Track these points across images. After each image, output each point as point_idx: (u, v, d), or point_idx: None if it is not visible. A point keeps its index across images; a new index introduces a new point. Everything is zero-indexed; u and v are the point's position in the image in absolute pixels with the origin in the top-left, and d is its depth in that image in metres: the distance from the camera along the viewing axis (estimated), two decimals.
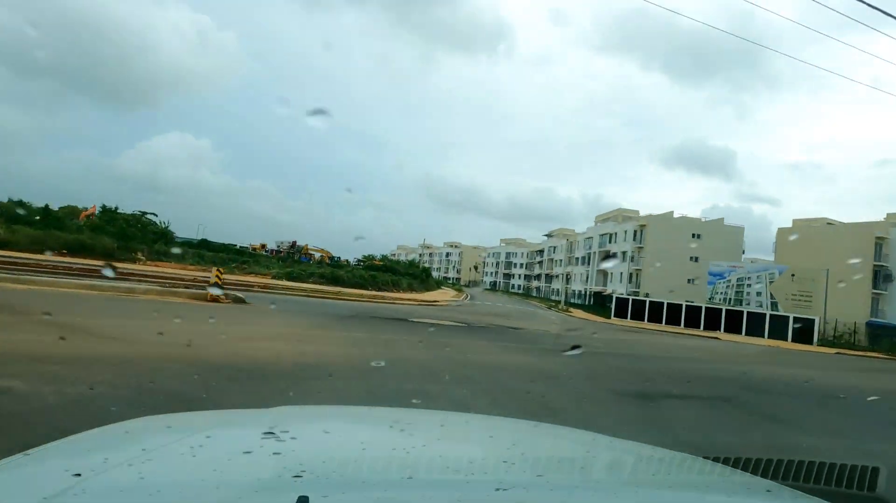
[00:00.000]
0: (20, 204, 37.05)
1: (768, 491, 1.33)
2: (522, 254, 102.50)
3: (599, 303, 51.87)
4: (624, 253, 55.41)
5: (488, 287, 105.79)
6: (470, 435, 1.58)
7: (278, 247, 60.81)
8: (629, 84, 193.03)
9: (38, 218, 35.20)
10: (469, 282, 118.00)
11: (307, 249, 60.20)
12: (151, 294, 12.16)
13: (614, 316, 40.17)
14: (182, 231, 45.34)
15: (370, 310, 18.78)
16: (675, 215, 54.79)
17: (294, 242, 58.09)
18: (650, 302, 39.94)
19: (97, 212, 44.30)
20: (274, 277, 32.28)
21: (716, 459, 1.55)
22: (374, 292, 31.04)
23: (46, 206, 36.66)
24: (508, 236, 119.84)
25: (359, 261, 62.98)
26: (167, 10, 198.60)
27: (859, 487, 1.91)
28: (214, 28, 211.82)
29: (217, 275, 12.90)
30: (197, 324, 9.44)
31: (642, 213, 59.18)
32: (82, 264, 22.28)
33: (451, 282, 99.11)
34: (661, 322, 36.87)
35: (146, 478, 0.89)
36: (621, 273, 56.13)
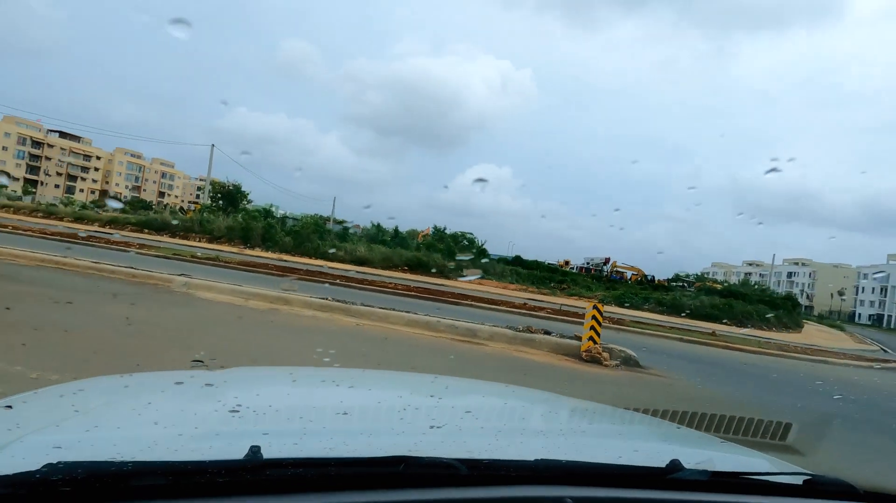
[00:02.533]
0: (378, 227, 43.36)
1: (677, 429, 1.65)
2: None
3: None
4: None
5: (872, 323, 74.73)
6: (411, 385, 1.67)
7: (587, 264, 56.18)
8: None
9: (389, 238, 40.48)
10: (829, 312, 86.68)
11: (615, 266, 53.17)
12: (500, 342, 7.75)
13: None
14: (492, 249, 45.60)
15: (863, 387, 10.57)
16: None
17: (607, 259, 52.04)
18: None
19: (431, 232, 48.81)
20: (601, 301, 27.26)
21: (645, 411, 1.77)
22: (756, 331, 21.60)
23: (396, 227, 42.07)
24: (863, 250, 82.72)
25: (678, 281, 52.14)
26: (475, 62, 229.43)
27: (772, 438, 2.37)
28: (512, 69, 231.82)
29: (596, 317, 7.69)
30: None
31: None
32: (419, 282, 22.33)
33: (808, 313, 73.46)
34: None
35: (105, 428, 0.94)
36: None
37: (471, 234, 42.02)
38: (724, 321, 26.06)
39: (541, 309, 16.42)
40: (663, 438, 1.47)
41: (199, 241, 30.31)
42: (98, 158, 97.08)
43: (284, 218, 39.45)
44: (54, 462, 0.61)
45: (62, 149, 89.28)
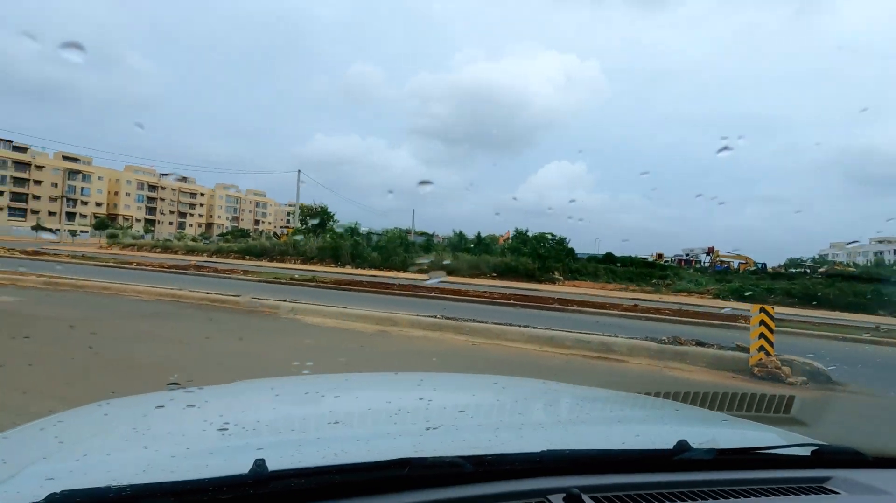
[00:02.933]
0: (460, 235, 42.92)
1: (676, 410, 1.59)
2: None
3: None
4: None
5: None
6: (383, 389, 1.61)
7: (687, 255, 51.62)
8: None
9: (472, 245, 39.86)
10: None
11: (717, 256, 48.30)
12: (642, 357, 6.56)
13: None
14: (576, 248, 43.18)
15: None
16: None
17: (710, 249, 47.46)
18: None
19: (511, 235, 47.73)
20: (717, 297, 24.37)
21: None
22: None
23: (478, 234, 41.36)
24: None
25: (796, 267, 46.37)
26: (536, 61, 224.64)
27: (776, 411, 2.38)
28: (577, 62, 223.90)
29: (766, 323, 6.19)
30: None
31: None
32: (512, 288, 21.28)
33: None
34: None
35: (112, 455, 0.92)
36: None
37: (552, 233, 40.20)
38: (880, 312, 22.11)
39: (656, 310, 14.68)
40: (667, 420, 1.43)
41: (294, 262, 31.66)
42: (202, 195, 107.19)
43: (369, 234, 40.38)
44: (56, 492, 0.60)
45: (172, 189, 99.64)
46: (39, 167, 77.31)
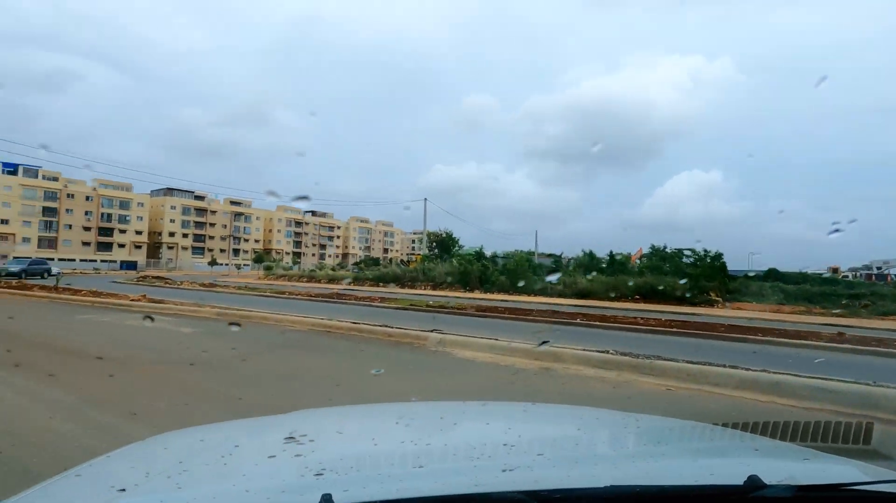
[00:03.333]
0: (590, 255, 40.32)
1: (749, 442, 1.50)
2: None
3: None
4: None
5: None
6: (469, 423, 1.61)
7: (878, 269, 42.24)
8: None
9: (605, 265, 37.07)
10: None
11: None
12: None
13: None
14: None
15: None
16: None
17: None
18: None
19: (643, 253, 44.40)
20: None
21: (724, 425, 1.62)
22: None
23: (611, 253, 38.46)
24: None
25: None
26: (657, 67, 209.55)
27: (854, 442, 2.15)
28: (705, 62, 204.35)
29: None
30: None
31: None
32: (665, 312, 18.67)
33: None
34: None
35: (183, 488, 0.95)
36: None
37: (690, 249, 35.66)
38: None
39: (876, 341, 11.44)
40: (739, 453, 1.38)
41: (424, 288, 32.22)
42: (338, 227, 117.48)
43: (494, 257, 39.88)
44: None
45: (315, 225, 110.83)
46: (213, 212, 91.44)
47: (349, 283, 37.25)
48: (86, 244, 75.33)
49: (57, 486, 0.99)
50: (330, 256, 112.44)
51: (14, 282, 23.60)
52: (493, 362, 7.02)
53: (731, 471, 1.06)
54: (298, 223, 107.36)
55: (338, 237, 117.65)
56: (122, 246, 78.85)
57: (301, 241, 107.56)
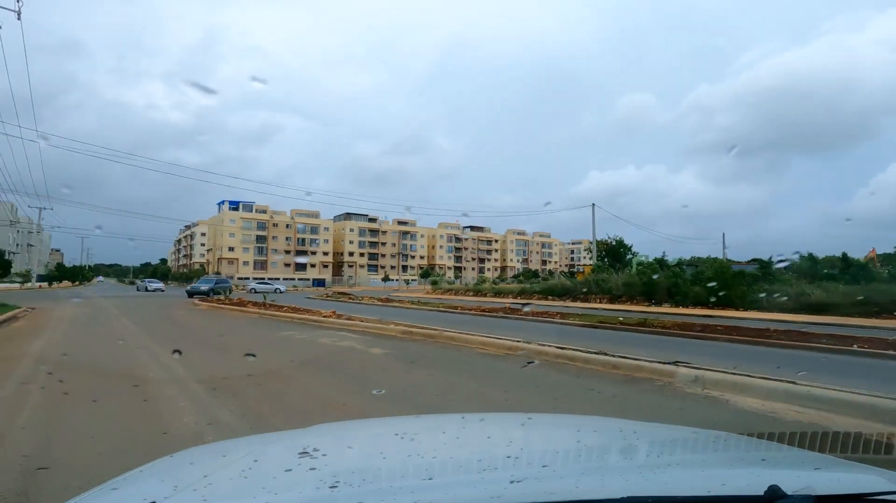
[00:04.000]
0: (811, 258, 32.35)
1: (767, 451, 1.46)
2: None
3: None
4: None
5: None
6: (471, 435, 1.62)
7: None
8: None
9: (838, 271, 29.16)
10: None
11: None
12: None
13: None
14: None
15: None
16: None
17: None
18: None
19: (875, 255, 35.27)
20: None
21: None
22: None
23: (844, 255, 30.17)
24: None
25: None
26: (865, 28, 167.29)
27: (875, 452, 2.12)
28: None
29: None
30: None
31: None
32: None
33: None
34: None
35: (209, 500, 0.99)
36: None
37: None
38: None
39: None
40: (757, 463, 1.33)
41: (599, 301, 29.11)
42: (496, 241, 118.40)
43: (680, 265, 34.57)
44: None
45: (473, 239, 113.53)
46: (384, 232, 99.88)
47: (516, 297, 35.97)
48: (286, 265, 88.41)
49: (94, 498, 1.04)
50: (489, 270, 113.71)
51: (235, 298, 27.50)
52: (809, 421, 4.55)
53: (749, 481, 1.04)
54: (458, 239, 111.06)
55: (495, 250, 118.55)
56: (312, 266, 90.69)
57: (461, 256, 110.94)
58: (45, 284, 59.07)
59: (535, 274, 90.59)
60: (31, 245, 75.41)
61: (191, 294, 32.13)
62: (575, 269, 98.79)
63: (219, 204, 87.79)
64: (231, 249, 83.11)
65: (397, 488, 1.01)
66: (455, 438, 1.53)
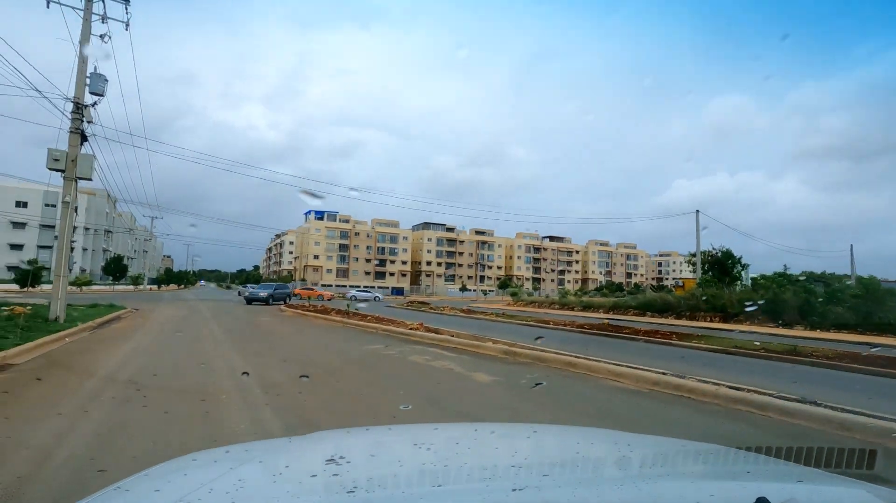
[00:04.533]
0: None
1: (753, 464, 1.50)
2: None
3: None
4: None
5: None
6: (482, 446, 1.68)
7: None
8: None
9: None
10: None
11: None
12: None
13: None
14: None
15: None
16: None
17: None
18: None
19: None
20: None
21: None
22: None
23: None
24: None
25: None
26: None
27: (857, 467, 2.10)
28: None
29: None
30: None
31: None
32: None
33: None
34: None
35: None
36: None
37: None
38: None
39: None
40: (744, 476, 1.36)
41: (710, 320, 25.56)
42: (576, 252, 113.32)
43: (810, 280, 29.79)
44: None
45: (552, 250, 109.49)
46: (461, 241, 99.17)
47: (607, 312, 33.15)
48: (367, 273, 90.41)
49: (133, 494, 1.08)
50: (569, 282, 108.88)
51: (318, 305, 27.47)
52: None
53: (736, 494, 1.08)
54: (537, 249, 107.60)
55: (576, 261, 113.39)
56: (391, 274, 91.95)
57: (539, 267, 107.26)
58: (154, 287, 64.72)
59: (619, 287, 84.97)
60: (146, 251, 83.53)
61: (249, 300, 30.80)
62: (668, 283, 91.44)
63: (305, 214, 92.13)
64: (316, 257, 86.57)
65: (409, 494, 1.09)
66: (467, 449, 1.59)
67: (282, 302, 31.34)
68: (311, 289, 50.28)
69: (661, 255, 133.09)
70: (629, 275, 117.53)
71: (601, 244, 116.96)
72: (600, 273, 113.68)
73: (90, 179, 13.01)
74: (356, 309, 21.15)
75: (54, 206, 63.91)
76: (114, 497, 1.06)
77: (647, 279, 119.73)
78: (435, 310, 28.88)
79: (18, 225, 61.11)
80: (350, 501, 1.02)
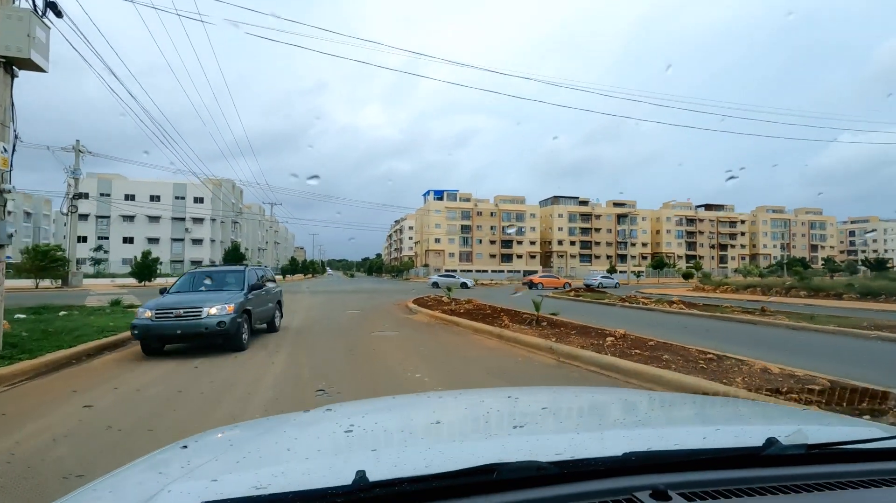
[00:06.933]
0: None
1: (763, 409, 1.53)
2: None
3: None
4: None
5: None
6: (495, 402, 1.63)
7: None
8: None
9: None
10: None
11: None
12: None
13: None
14: None
15: None
16: None
17: None
18: None
19: None
20: None
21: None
22: None
23: None
24: None
25: None
26: None
27: (870, 403, 2.25)
28: None
29: None
30: None
31: None
32: None
33: None
34: None
35: (247, 456, 1.10)
36: None
37: None
38: None
39: None
40: (753, 419, 1.40)
41: None
42: (742, 222, 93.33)
43: None
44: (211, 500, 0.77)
45: (710, 220, 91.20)
46: (597, 216, 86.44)
47: (851, 297, 21.29)
48: (492, 256, 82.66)
49: (141, 468, 1.06)
50: (733, 258, 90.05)
51: (463, 304, 19.78)
52: None
53: (746, 435, 1.10)
54: (690, 220, 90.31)
55: (741, 234, 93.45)
56: (519, 256, 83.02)
57: (694, 242, 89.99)
58: (280, 277, 63.99)
59: (803, 263, 66.39)
60: (277, 243, 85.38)
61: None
62: (870, 257, 69.76)
63: (424, 195, 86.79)
64: (437, 241, 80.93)
65: (406, 432, 1.19)
66: (480, 401, 1.60)
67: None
68: (556, 278, 42.98)
69: (852, 223, 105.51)
70: (815, 247, 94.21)
71: (775, 210, 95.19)
72: (774, 246, 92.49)
73: (28, 58, 6.12)
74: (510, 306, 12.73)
75: (183, 198, 66.08)
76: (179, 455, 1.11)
77: (837, 250, 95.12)
78: (629, 305, 19.40)
79: (127, 218, 63.53)
80: (348, 444, 1.11)
